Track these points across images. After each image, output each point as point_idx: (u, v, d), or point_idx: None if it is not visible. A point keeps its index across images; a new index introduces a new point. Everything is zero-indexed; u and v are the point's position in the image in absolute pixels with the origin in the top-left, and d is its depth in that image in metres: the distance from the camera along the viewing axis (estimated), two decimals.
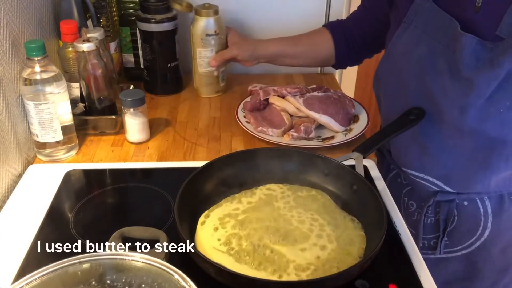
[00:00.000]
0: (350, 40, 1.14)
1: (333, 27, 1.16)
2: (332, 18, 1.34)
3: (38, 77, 0.87)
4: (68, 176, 0.91)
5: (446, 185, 0.93)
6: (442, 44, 0.84)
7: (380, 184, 0.90)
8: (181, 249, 0.69)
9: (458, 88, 0.83)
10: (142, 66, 1.25)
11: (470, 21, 0.81)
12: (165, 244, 0.66)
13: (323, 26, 1.18)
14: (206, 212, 0.79)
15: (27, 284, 0.54)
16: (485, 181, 0.90)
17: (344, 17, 1.35)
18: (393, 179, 1.07)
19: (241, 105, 1.14)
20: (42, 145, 0.95)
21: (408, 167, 0.98)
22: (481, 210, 0.94)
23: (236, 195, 0.83)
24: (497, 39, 0.78)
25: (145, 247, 0.66)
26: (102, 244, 0.68)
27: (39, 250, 0.74)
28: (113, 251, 0.64)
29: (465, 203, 0.95)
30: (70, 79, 1.06)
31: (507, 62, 0.76)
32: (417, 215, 1.01)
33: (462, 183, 0.93)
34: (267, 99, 1.13)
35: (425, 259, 0.74)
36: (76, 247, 0.74)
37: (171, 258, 0.66)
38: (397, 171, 1.05)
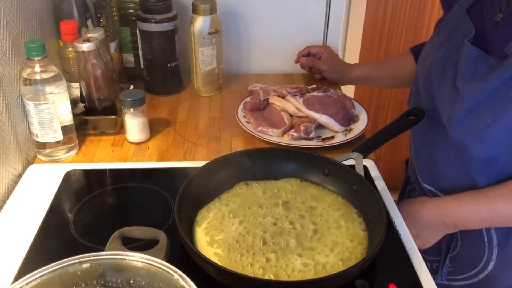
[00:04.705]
0: None
1: (416, 49, 1.14)
2: (332, 18, 1.35)
3: (38, 77, 0.87)
4: (68, 176, 0.91)
5: None
6: (457, 52, 0.84)
7: (380, 184, 0.90)
8: (181, 249, 0.69)
9: (451, 98, 0.83)
10: (142, 66, 1.25)
11: (486, 34, 0.80)
12: (165, 244, 0.66)
13: (410, 48, 1.17)
14: (202, 211, 0.79)
15: (27, 284, 0.54)
16: None
17: (343, 17, 1.35)
18: (409, 194, 1.07)
19: (241, 105, 1.14)
20: (42, 145, 0.95)
21: (420, 176, 0.97)
22: (486, 239, 0.90)
23: (234, 194, 0.83)
24: (503, 57, 0.76)
25: (145, 247, 0.66)
26: (102, 244, 0.67)
27: (39, 250, 0.74)
28: (113, 251, 0.64)
29: None
30: (70, 79, 1.06)
31: (497, 79, 0.75)
32: None
33: None
34: (267, 99, 1.13)
35: None
36: (76, 247, 0.74)
37: (171, 258, 0.66)
38: (413, 186, 1.05)
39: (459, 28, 0.86)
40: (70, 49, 1.03)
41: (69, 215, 0.82)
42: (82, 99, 1.06)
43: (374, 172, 0.93)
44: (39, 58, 0.86)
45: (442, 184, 0.92)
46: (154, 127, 1.08)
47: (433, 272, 0.99)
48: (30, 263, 0.72)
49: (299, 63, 1.30)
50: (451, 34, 0.87)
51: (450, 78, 0.84)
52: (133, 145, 1.03)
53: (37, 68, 0.87)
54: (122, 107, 1.00)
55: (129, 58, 1.29)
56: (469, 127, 0.80)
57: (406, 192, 1.10)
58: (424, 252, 0.98)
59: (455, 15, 0.88)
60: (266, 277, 0.67)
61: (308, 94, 1.11)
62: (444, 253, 0.96)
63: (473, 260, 0.94)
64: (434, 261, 0.99)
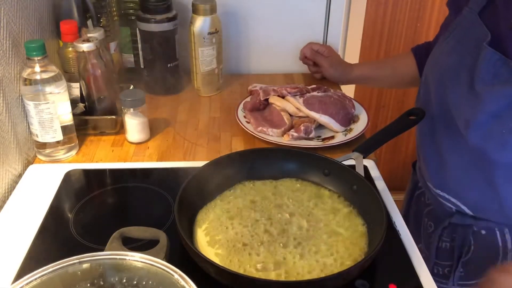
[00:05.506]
0: None
1: (417, 49, 1.14)
2: (332, 18, 1.35)
3: (38, 77, 0.87)
4: (68, 176, 0.91)
5: (464, 205, 0.90)
6: (471, 55, 0.83)
7: (380, 184, 0.90)
8: (181, 249, 0.69)
9: (469, 101, 0.81)
10: (142, 66, 1.25)
11: (503, 37, 0.79)
12: (165, 244, 0.66)
13: (411, 49, 1.16)
14: (202, 211, 0.79)
15: (27, 284, 0.54)
16: (497, 205, 0.86)
17: (343, 17, 1.35)
18: (418, 198, 1.06)
19: (241, 105, 1.14)
20: (42, 145, 0.95)
21: (429, 181, 0.97)
22: (500, 243, 0.89)
23: (235, 194, 0.83)
24: None
25: (145, 247, 0.66)
26: (102, 244, 0.67)
27: (39, 250, 0.74)
28: (113, 251, 0.64)
29: (483, 232, 0.91)
30: (70, 79, 1.06)
31: None
32: (434, 236, 0.98)
33: (476, 204, 0.88)
34: (267, 99, 1.13)
35: None
36: (76, 247, 0.74)
37: (171, 258, 0.66)
38: (423, 190, 1.04)
39: (471, 32, 0.84)
40: (70, 49, 1.03)
41: (69, 215, 0.82)
42: (82, 99, 1.06)
43: (374, 172, 0.93)
44: (39, 58, 0.86)
45: (457, 189, 0.91)
46: (154, 127, 1.08)
47: (445, 277, 0.98)
48: (30, 263, 0.72)
49: (300, 60, 1.29)
50: (463, 38, 0.86)
51: (465, 82, 0.83)
52: (133, 145, 1.03)
53: (37, 68, 0.87)
54: (122, 107, 1.00)
55: (129, 58, 1.29)
56: (490, 132, 0.79)
57: (415, 196, 1.09)
58: (436, 257, 0.97)
59: (466, 18, 0.86)
60: (266, 277, 0.67)
61: (308, 94, 1.10)
62: (457, 257, 0.94)
63: (486, 264, 0.90)
64: (446, 266, 0.98)
